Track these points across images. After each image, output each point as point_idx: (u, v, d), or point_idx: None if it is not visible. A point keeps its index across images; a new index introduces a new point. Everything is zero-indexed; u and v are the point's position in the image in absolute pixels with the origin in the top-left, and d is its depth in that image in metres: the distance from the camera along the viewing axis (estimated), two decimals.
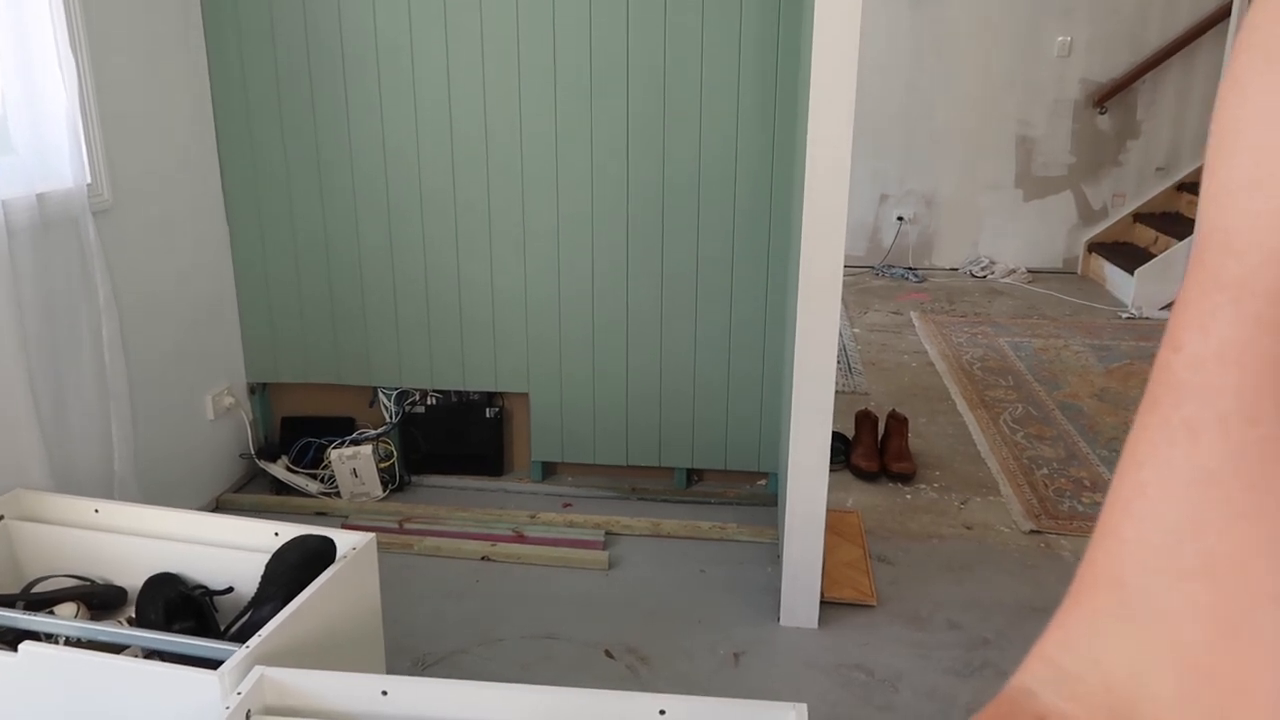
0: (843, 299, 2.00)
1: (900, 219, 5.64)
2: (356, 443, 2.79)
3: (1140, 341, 4.32)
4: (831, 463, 2.14)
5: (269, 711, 1.33)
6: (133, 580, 1.77)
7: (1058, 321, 4.66)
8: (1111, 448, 3.15)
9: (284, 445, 2.86)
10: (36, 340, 2.02)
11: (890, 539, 2.58)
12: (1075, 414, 3.45)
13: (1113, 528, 0.33)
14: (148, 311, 2.41)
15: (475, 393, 2.83)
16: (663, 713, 1.28)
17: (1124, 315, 4.75)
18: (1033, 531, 2.61)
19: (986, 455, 3.09)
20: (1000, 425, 3.34)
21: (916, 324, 4.60)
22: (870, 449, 2.99)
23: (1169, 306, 4.80)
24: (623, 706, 1.29)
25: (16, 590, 1.78)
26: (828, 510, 2.14)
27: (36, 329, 2.02)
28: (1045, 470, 2.98)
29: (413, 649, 2.10)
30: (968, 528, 2.64)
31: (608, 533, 2.57)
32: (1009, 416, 3.42)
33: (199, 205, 2.62)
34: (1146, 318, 4.71)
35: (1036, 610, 2.25)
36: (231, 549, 1.75)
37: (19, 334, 1.96)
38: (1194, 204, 4.77)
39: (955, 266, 5.68)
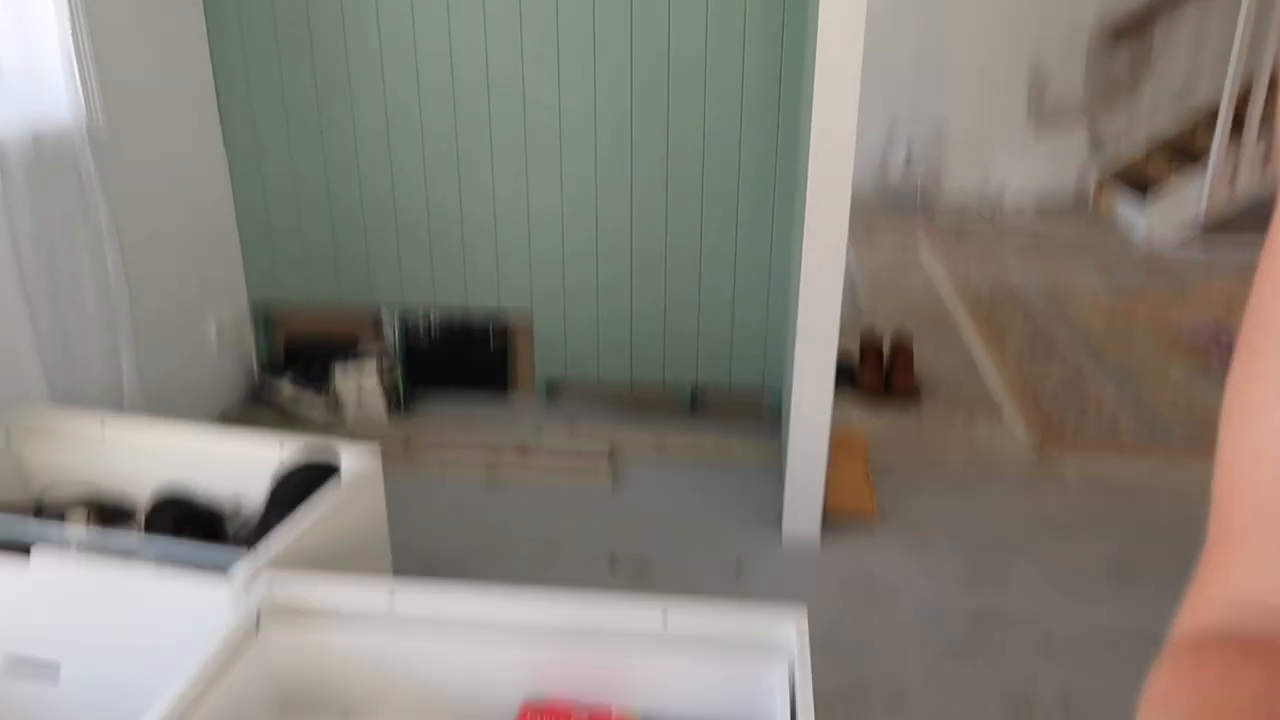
0: (850, 231, 1.99)
1: (910, 153, 5.57)
2: (361, 365, 2.79)
3: (1150, 275, 4.29)
4: (836, 385, 2.13)
5: (279, 612, 1.34)
6: (140, 494, 1.78)
7: (1067, 254, 4.62)
8: (1117, 372, 3.14)
9: (288, 368, 2.87)
10: (35, 270, 2.01)
11: (894, 458, 2.59)
12: (1082, 340, 3.43)
13: (1247, 482, 0.31)
14: (148, 238, 2.39)
15: (479, 311, 2.82)
16: (665, 616, 1.30)
17: (1134, 249, 4.71)
18: (1037, 453, 2.62)
19: (992, 380, 3.09)
20: (1006, 351, 3.33)
21: (925, 257, 4.57)
22: (875, 372, 2.99)
23: (1179, 243, 4.76)
24: (626, 610, 1.30)
25: (27, 502, 1.80)
26: (831, 427, 2.15)
27: (35, 259, 2.01)
28: (1051, 394, 2.98)
29: (419, 563, 2.12)
30: (972, 449, 2.65)
31: (612, 450, 2.58)
32: (1016, 343, 3.41)
33: (196, 129, 2.59)
34: (1157, 252, 4.67)
35: (1039, 527, 2.26)
36: (238, 462, 1.76)
37: (16, 264, 1.96)
38: (1209, 139, 4.69)
39: (965, 201, 5.62)
